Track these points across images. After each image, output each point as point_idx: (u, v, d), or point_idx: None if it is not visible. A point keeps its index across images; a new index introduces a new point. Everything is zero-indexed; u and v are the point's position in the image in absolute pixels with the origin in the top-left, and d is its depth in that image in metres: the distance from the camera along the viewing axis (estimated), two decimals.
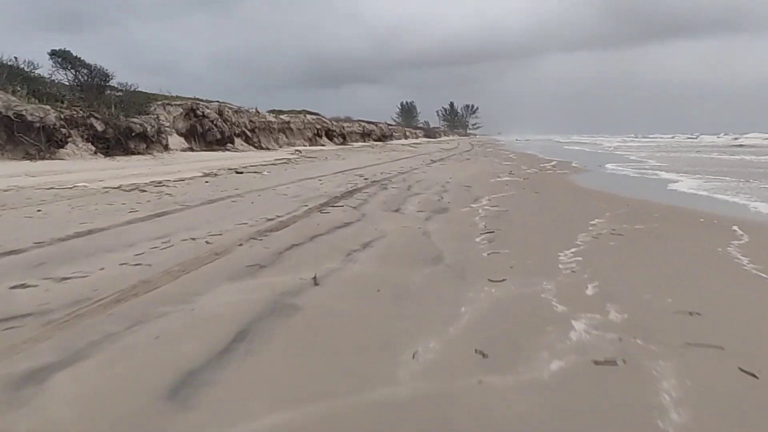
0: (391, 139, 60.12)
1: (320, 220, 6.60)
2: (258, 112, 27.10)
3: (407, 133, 76.52)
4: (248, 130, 24.87)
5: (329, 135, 36.13)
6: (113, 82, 16.93)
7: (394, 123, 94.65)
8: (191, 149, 20.26)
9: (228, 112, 23.73)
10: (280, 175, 12.78)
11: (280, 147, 27.71)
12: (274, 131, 28.40)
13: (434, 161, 22.45)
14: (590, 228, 6.97)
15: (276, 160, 18.19)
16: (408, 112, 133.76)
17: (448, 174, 15.30)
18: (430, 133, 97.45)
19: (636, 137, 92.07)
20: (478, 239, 5.96)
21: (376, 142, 49.32)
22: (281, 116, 30.49)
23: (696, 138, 75.92)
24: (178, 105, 20.61)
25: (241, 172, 12.70)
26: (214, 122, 22.04)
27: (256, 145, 24.95)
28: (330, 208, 7.69)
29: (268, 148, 25.57)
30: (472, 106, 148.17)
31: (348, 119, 49.66)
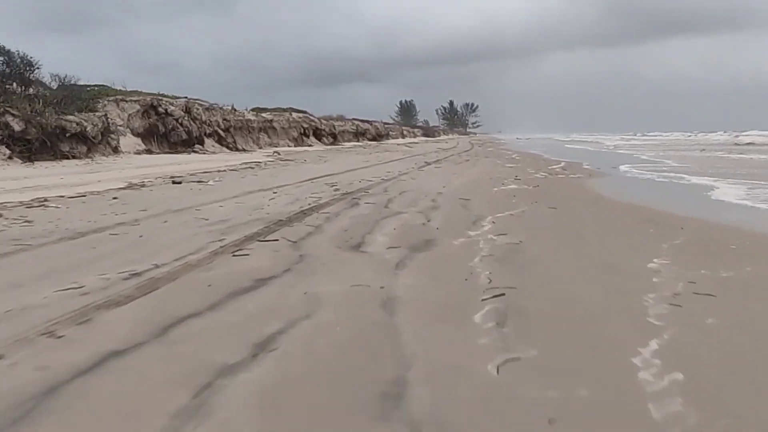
0: (387, 139, 57.66)
1: (220, 274, 4.03)
2: (234, 110, 24.51)
3: (404, 132, 74.09)
4: (221, 129, 22.29)
5: (318, 134, 33.56)
6: (46, 74, 14.38)
7: (393, 122, 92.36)
8: (149, 152, 17.68)
9: (198, 109, 21.15)
10: (228, 185, 10.22)
11: (260, 148, 25.15)
12: (254, 131, 25.82)
13: (429, 163, 19.87)
14: (654, 279, 4.41)
15: (243, 164, 15.62)
16: (407, 111, 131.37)
17: (443, 180, 12.72)
18: (428, 132, 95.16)
19: (635, 135, 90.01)
20: (478, 316, 3.39)
21: (370, 142, 46.82)
22: (263, 114, 27.90)
23: (694, 135, 73.81)
24: (135, 101, 18.03)
25: (179, 182, 10.12)
26: (180, 121, 19.47)
27: (230, 146, 22.38)
28: (256, 244, 5.12)
29: (244, 150, 23.00)
30: (472, 105, 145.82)
31: (341, 117, 47.12)
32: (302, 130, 31.12)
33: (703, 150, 33.70)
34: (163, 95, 20.01)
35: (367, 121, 54.86)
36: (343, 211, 7.35)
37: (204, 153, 19.67)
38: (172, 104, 19.57)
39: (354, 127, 46.98)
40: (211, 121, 21.58)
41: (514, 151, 35.42)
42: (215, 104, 22.72)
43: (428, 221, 6.82)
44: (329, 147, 31.82)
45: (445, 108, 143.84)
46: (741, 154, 27.72)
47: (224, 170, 13.34)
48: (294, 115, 31.33)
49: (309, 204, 7.80)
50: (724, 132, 74.04)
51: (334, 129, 37.83)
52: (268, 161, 17.33)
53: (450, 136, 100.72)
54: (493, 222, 6.94)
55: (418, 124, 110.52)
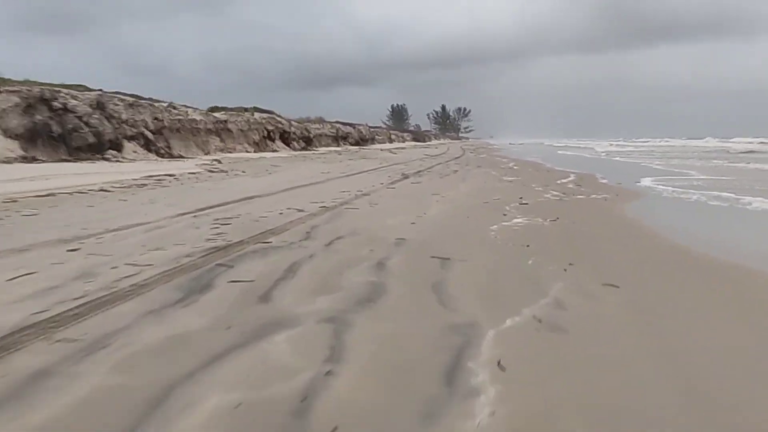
0: (373, 143, 53.55)
1: None
2: (173, 107, 20.09)
3: (392, 137, 70.02)
4: (151, 131, 17.89)
5: (285, 138, 29.21)
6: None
7: (384, 126, 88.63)
8: (31, 159, 13.28)
9: (117, 105, 16.75)
10: (26, 227, 5.87)
11: (207, 154, 20.78)
12: (200, 133, 21.44)
13: (407, 176, 15.58)
14: None
15: (143, 178, 11.24)
16: (399, 114, 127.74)
17: (415, 208, 8.44)
18: (418, 136, 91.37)
19: (624, 141, 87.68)
20: None
21: (351, 147, 42.59)
22: (215, 114, 23.52)
23: (683, 141, 72.42)
24: (13, 92, 13.61)
25: None
26: (85, 119, 15.08)
27: (161, 151, 17.96)
28: None
29: (181, 156, 18.61)
30: (464, 109, 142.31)
31: (319, 120, 42.83)
32: (266, 133, 26.75)
33: (702, 158, 29.98)
34: (68, 86, 15.62)
35: (350, 124, 50.67)
36: (130, 329, 3.02)
37: (118, 161, 15.29)
38: (75, 98, 15.15)
39: (334, 131, 42.73)
40: (135, 121, 17.17)
41: (510, 158, 31.27)
42: (146, 100, 18.28)
43: (327, 373, 2.52)
44: (298, 153, 27.47)
45: (437, 112, 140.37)
46: (753, 163, 23.94)
47: (84, 192, 8.96)
48: (257, 115, 26.96)
49: (77, 297, 3.47)
50: (713, 138, 71.77)
51: (308, 132, 33.52)
52: (189, 173, 12.99)
53: (441, 141, 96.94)
54: (499, 362, 2.66)
55: (409, 129, 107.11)
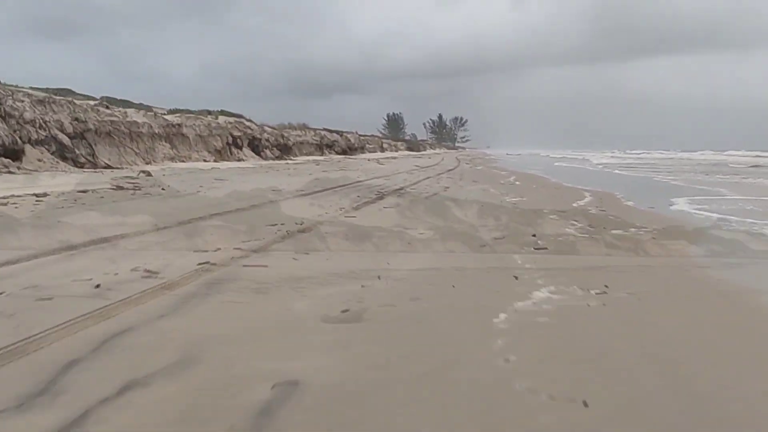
0: (362, 152, 50.25)
1: None
2: (105, 107, 16.61)
3: (384, 145, 66.83)
4: (68, 134, 14.41)
5: (256, 146, 25.76)
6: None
7: (379, 134, 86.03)
8: None
9: (20, 102, 13.29)
10: None
11: (150, 163, 17.29)
12: (143, 138, 17.96)
13: (382, 195, 12.14)
14: None
15: None
16: (394, 123, 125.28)
17: (368, 261, 4.98)
18: (413, 146, 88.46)
19: (621, 152, 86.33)
20: None
21: (336, 156, 39.25)
22: (165, 116, 20.06)
23: (677, 154, 72.06)
24: None
25: None
26: None
27: (81, 160, 14.47)
28: None
29: (108, 166, 15.11)
30: (461, 119, 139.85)
31: (302, 126, 39.47)
32: (230, 140, 23.28)
33: (709, 173, 27.41)
34: None
35: (338, 132, 47.37)
36: None
37: (10, 172, 11.82)
38: None
39: (318, 138, 39.35)
40: (45, 122, 13.69)
41: (509, 170, 27.97)
42: (62, 96, 14.79)
43: None
44: (268, 163, 24.00)
45: (433, 121, 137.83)
46: (763, 178, 21.66)
47: None
48: (221, 119, 23.51)
49: None
50: (710, 151, 70.09)
51: (285, 139, 30.08)
52: (79, 192, 9.47)
53: (437, 150, 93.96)
54: None
55: (405, 138, 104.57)
